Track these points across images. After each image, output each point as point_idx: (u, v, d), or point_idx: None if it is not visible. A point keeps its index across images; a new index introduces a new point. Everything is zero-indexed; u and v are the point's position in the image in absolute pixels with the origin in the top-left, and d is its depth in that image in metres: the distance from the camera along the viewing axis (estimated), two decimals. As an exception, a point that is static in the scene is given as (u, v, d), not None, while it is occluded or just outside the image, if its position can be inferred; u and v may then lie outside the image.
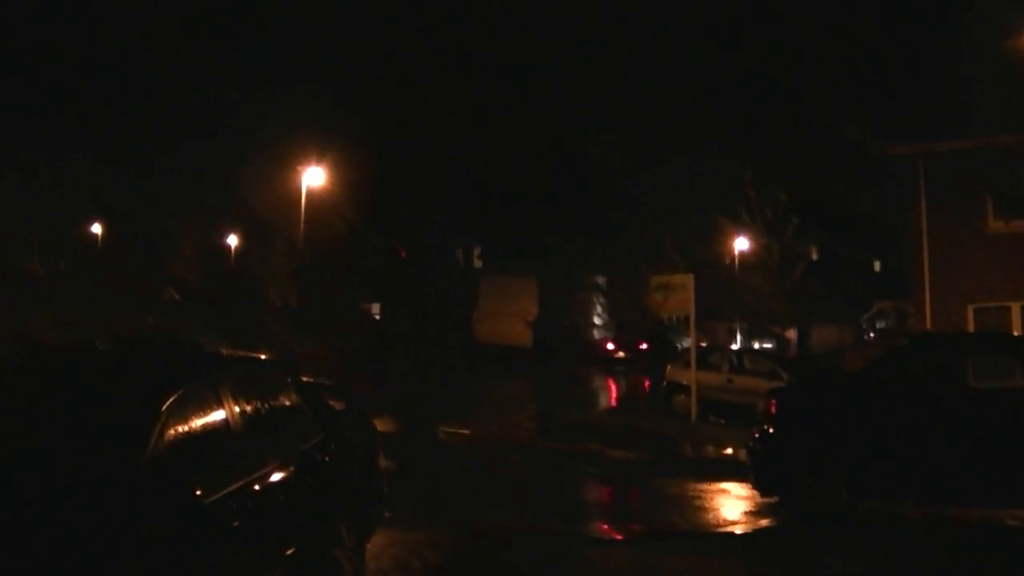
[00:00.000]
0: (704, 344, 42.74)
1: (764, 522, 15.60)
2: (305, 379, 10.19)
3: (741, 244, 56.70)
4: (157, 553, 6.59)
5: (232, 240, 69.96)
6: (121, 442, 6.93)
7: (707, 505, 17.28)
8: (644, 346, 55.72)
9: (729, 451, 24.16)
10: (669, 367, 33.87)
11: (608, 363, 52.04)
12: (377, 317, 56.03)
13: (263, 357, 10.17)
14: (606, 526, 15.45)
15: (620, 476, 20.60)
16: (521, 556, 12.21)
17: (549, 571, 11.62)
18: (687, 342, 30.76)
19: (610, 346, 55.48)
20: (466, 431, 25.12)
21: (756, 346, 55.94)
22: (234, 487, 7.53)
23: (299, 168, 51.70)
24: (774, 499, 15.71)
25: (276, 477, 8.18)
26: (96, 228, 73.83)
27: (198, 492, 7.03)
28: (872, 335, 63.88)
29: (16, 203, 56.85)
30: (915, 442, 14.66)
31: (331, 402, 10.54)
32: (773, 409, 15.86)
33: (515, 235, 58.50)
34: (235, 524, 7.48)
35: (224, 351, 9.99)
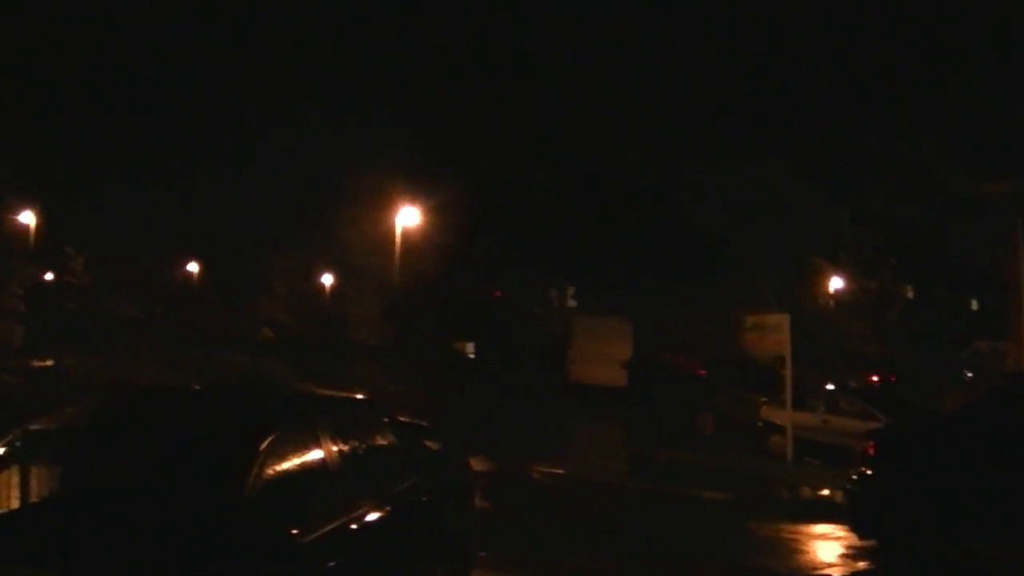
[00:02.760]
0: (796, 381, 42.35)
1: (862, 565, 15.43)
2: (401, 419, 10.22)
3: (836, 284, 56.22)
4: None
5: (327, 279, 70.36)
6: (220, 482, 7.00)
7: (803, 548, 17.10)
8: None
9: (825, 493, 23.91)
10: (764, 407, 33.59)
11: (700, 403, 51.74)
12: (471, 356, 56.08)
13: (359, 397, 10.22)
14: (698, 569, 15.32)
15: (713, 517, 20.43)
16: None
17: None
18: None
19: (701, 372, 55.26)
20: (559, 470, 25.01)
21: (851, 386, 55.36)
22: (330, 527, 7.56)
23: (394, 208, 51.96)
24: (872, 542, 15.53)
25: (372, 517, 8.19)
26: (192, 267, 74.61)
27: (294, 531, 7.07)
28: (970, 375, 63.02)
29: (115, 245, 57.58)
30: (1016, 484, 14.43)
31: (427, 442, 10.56)
32: (871, 451, 15.68)
33: (609, 275, 58.41)
34: (330, 564, 7.51)
35: (321, 392, 10.07)
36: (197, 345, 50.85)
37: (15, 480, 11.28)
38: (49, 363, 47.35)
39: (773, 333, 30.29)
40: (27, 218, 64.15)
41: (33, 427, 8.39)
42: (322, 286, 71.21)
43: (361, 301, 55.17)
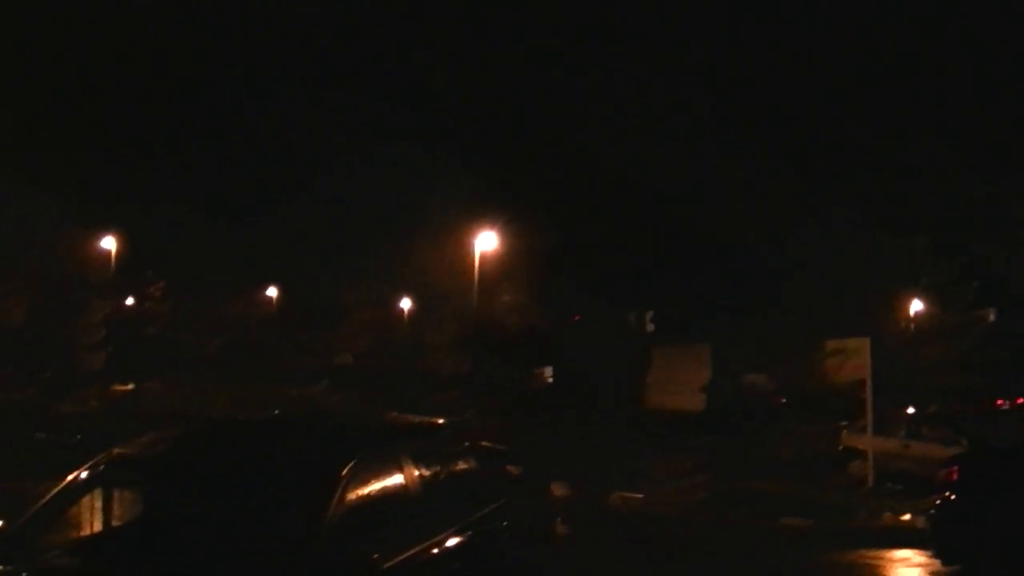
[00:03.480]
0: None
1: (944, 591, 15.28)
2: (482, 445, 10.21)
3: (915, 308, 55.89)
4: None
5: (405, 304, 70.51)
6: (302, 508, 7.02)
7: (885, 574, 16.96)
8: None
9: (907, 518, 23.71)
10: (844, 432, 33.32)
11: (779, 429, 51.22)
12: (549, 382, 56.06)
13: (440, 422, 10.21)
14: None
15: (794, 545, 20.29)
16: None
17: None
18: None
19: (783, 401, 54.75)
20: (639, 496, 24.93)
21: (931, 411, 54.91)
22: (411, 552, 7.56)
23: (472, 233, 52.01)
24: (957, 568, 15.37)
25: (453, 543, 8.19)
26: (271, 292, 74.94)
27: (376, 556, 7.08)
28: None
29: (195, 271, 57.98)
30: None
31: (507, 468, 10.54)
32: (954, 476, 15.54)
33: (688, 301, 58.19)
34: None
35: (402, 417, 10.07)
36: (275, 372, 51.13)
37: (98, 504, 11.37)
38: (130, 388, 47.80)
39: (854, 358, 30.11)
40: (108, 243, 64.72)
41: (116, 452, 8.44)
42: (400, 312, 71.37)
43: (439, 327, 55.22)
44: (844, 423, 34.70)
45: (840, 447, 32.77)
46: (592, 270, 61.05)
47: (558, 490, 11.61)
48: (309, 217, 69.86)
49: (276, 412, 10.30)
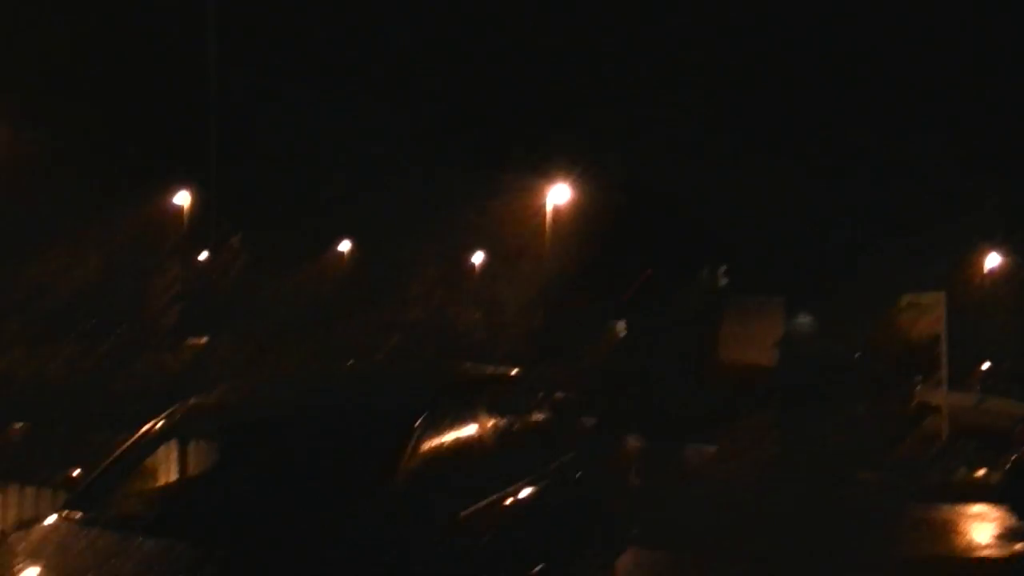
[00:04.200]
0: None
1: (1019, 546, 15.17)
2: (557, 395, 10.21)
3: (991, 264, 55.50)
4: (413, 567, 6.65)
5: (477, 258, 70.60)
6: (376, 458, 7.03)
7: (958, 529, 16.87)
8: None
9: (981, 474, 23.56)
10: (919, 388, 33.13)
11: (854, 383, 50.82)
12: (622, 335, 55.96)
13: (515, 373, 10.20)
14: (852, 550, 15.11)
15: (867, 498, 20.20)
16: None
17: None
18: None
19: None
20: (712, 449, 24.90)
21: (1007, 367, 54.46)
22: (485, 503, 7.57)
23: (545, 186, 51.97)
24: (1030, 523, 15.26)
25: (526, 493, 8.18)
26: (344, 246, 75.18)
27: (450, 507, 7.08)
28: None
29: (270, 224, 58.20)
30: None
31: (583, 419, 10.54)
32: (1031, 431, 15.45)
33: (762, 253, 57.90)
34: (485, 540, 7.52)
35: (476, 368, 10.07)
36: (348, 324, 51.31)
37: (174, 455, 11.47)
38: (204, 342, 48.12)
39: (929, 312, 29.90)
40: (182, 198, 65.08)
41: (192, 402, 8.48)
42: (472, 266, 71.44)
43: (511, 281, 55.26)
44: (919, 378, 34.47)
45: (915, 403, 32.58)
46: (665, 223, 60.90)
47: (632, 442, 11.57)
48: (382, 170, 69.94)
49: (350, 363, 10.37)
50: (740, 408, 30.67)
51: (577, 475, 9.30)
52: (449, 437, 7.60)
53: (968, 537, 16.24)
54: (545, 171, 52.76)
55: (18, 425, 13.12)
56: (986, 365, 46.83)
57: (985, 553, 14.87)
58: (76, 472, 8.01)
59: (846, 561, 13.43)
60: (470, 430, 7.85)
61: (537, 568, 8.18)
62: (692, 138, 65.26)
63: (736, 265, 60.79)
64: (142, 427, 8.33)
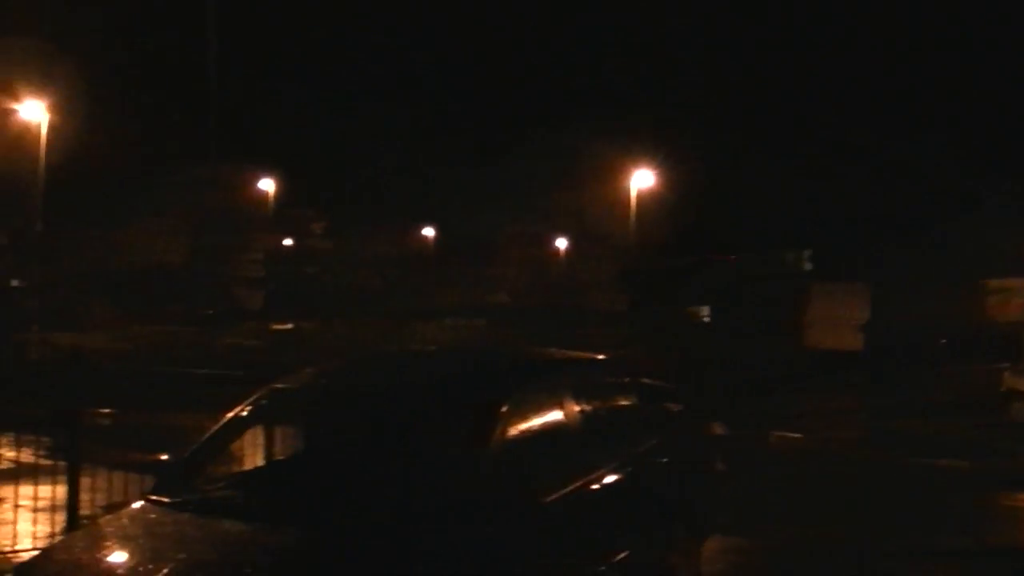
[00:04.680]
0: None
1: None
2: (643, 381, 10.14)
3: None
4: (497, 551, 6.64)
5: (561, 243, 70.65)
6: (461, 441, 7.02)
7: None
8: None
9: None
10: (1006, 374, 32.71)
11: (940, 370, 50.32)
12: (705, 320, 55.73)
13: (601, 358, 10.15)
14: (935, 540, 14.94)
15: (951, 487, 19.97)
16: (846, 568, 11.93)
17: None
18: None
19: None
20: (796, 436, 24.77)
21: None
22: (570, 488, 7.53)
23: (628, 171, 51.91)
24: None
25: (612, 479, 8.14)
26: (428, 232, 75.39)
27: (535, 492, 7.06)
28: None
29: (354, 211, 58.47)
30: None
31: (668, 404, 10.47)
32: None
33: (846, 238, 57.47)
34: (570, 525, 7.49)
35: (562, 352, 10.03)
36: (433, 310, 51.45)
37: (259, 439, 11.52)
38: (288, 326, 48.45)
39: (1017, 297, 29.60)
40: (266, 185, 65.62)
41: (277, 386, 8.51)
42: (556, 250, 71.48)
43: (595, 265, 55.22)
44: (1006, 364, 34.04)
45: (1002, 388, 32.17)
46: (749, 208, 60.63)
47: (717, 428, 11.51)
48: (466, 156, 70.15)
49: (434, 347, 10.35)
50: (825, 393, 30.43)
51: (662, 461, 9.24)
52: (534, 422, 7.58)
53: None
54: (628, 157, 52.66)
55: (105, 410, 13.25)
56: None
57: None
58: (163, 456, 8.05)
59: (929, 548, 13.30)
60: (555, 415, 7.81)
61: (621, 555, 8.14)
62: (776, 124, 64.87)
63: (820, 250, 60.43)
64: (228, 411, 8.37)
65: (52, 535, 10.50)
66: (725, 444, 11.75)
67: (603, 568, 7.94)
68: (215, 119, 54.65)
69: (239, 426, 8.56)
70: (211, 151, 52.98)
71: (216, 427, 8.27)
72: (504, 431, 7.14)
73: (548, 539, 7.23)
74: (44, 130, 42.42)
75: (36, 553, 8.67)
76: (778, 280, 58.40)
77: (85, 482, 10.52)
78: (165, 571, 6.14)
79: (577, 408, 8.03)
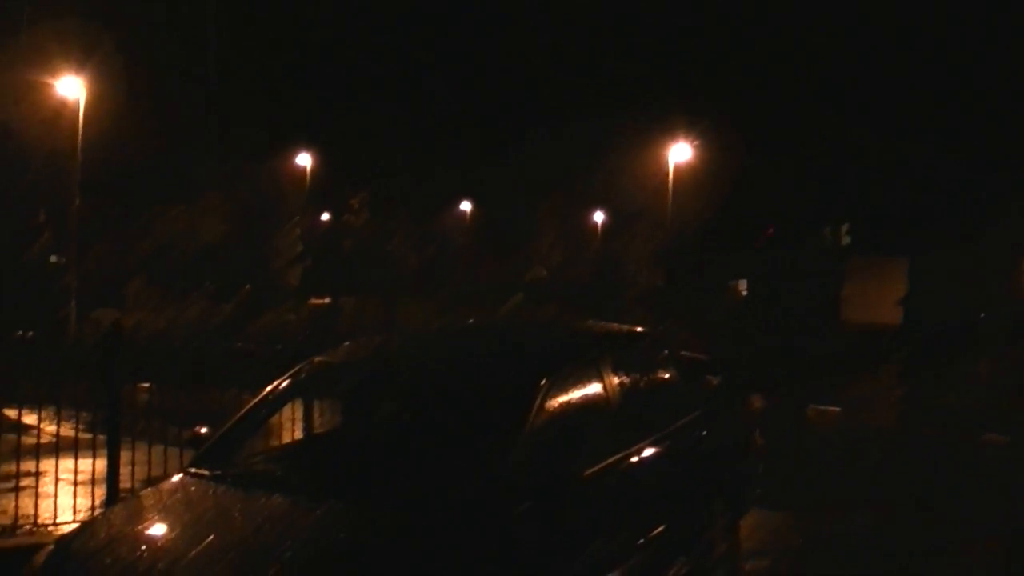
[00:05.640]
0: None
1: None
2: (682, 354, 10.11)
3: None
4: (536, 524, 6.64)
5: (599, 217, 70.56)
6: (501, 415, 7.02)
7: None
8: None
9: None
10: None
11: (981, 346, 49.88)
12: (744, 294, 55.70)
13: (640, 331, 10.12)
14: (978, 515, 14.85)
15: (993, 462, 19.88)
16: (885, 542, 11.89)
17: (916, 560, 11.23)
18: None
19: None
20: (835, 410, 24.70)
21: None
22: (609, 461, 7.53)
23: (666, 145, 51.80)
24: None
25: (651, 452, 8.12)
26: (465, 206, 75.33)
27: (574, 465, 7.06)
28: None
29: (391, 185, 58.42)
30: None
31: (708, 378, 10.44)
32: None
33: (886, 213, 57.18)
34: (608, 498, 7.49)
35: (601, 326, 10.01)
36: (471, 284, 51.41)
37: (299, 413, 11.56)
38: (326, 302, 48.55)
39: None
40: (304, 160, 65.73)
41: (317, 360, 8.52)
42: (594, 225, 71.41)
43: (633, 240, 55.13)
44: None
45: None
46: (787, 182, 60.36)
47: (756, 402, 11.48)
48: (503, 129, 69.99)
49: (474, 323, 10.31)
50: (864, 367, 30.35)
51: (702, 434, 9.22)
52: (574, 395, 7.56)
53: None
54: (665, 131, 52.46)
55: (145, 385, 13.30)
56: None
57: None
58: (203, 430, 8.07)
59: (969, 524, 13.23)
60: (595, 388, 7.79)
61: (660, 528, 8.13)
62: (812, 95, 64.38)
63: (859, 224, 60.19)
64: (267, 386, 8.38)
65: (92, 508, 10.56)
66: (764, 418, 11.70)
67: (642, 542, 7.93)
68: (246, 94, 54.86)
69: (279, 400, 8.60)
70: (247, 127, 53.10)
71: (255, 401, 8.30)
72: (544, 406, 7.13)
73: (587, 513, 7.22)
74: (82, 106, 42.57)
75: (77, 526, 8.71)
76: (816, 254, 58.30)
77: (125, 456, 10.57)
78: (205, 543, 6.16)
79: (617, 382, 8.00)
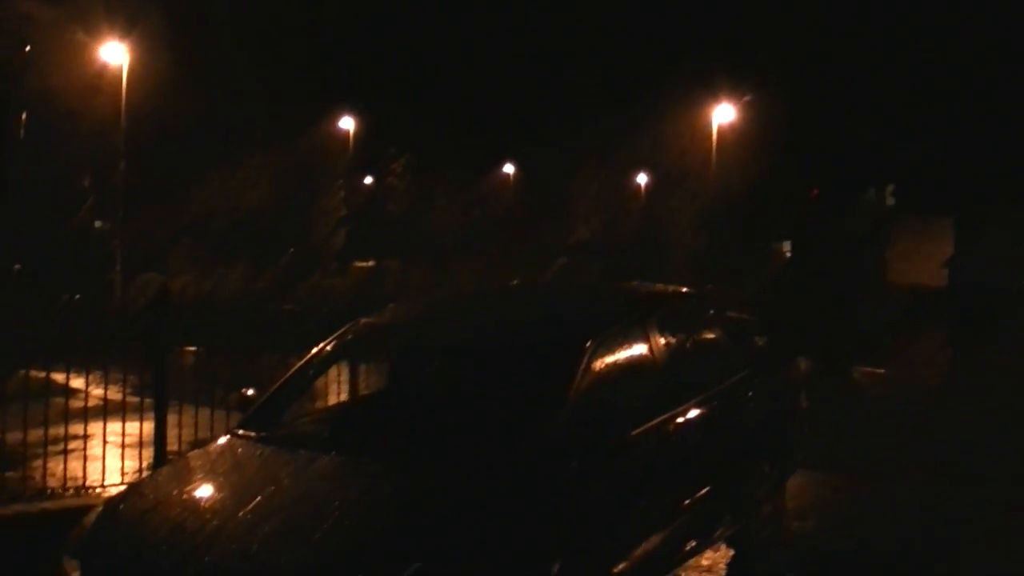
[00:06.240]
0: None
1: None
2: (728, 315, 10.08)
3: None
4: (583, 484, 6.65)
5: (641, 179, 70.36)
6: (548, 377, 7.02)
7: None
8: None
9: None
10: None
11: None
12: (787, 255, 55.51)
13: (686, 291, 10.10)
14: (1015, 475, 14.71)
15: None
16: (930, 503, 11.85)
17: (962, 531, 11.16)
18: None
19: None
20: (880, 371, 24.63)
21: None
22: (655, 422, 7.52)
23: (709, 105, 51.54)
24: None
25: (697, 413, 8.10)
26: (508, 168, 75.19)
27: (621, 426, 7.05)
28: None
29: (434, 148, 58.41)
30: None
31: (754, 339, 10.41)
32: None
33: (930, 175, 56.87)
34: (655, 459, 7.48)
35: (647, 286, 9.99)
36: (515, 247, 51.44)
37: (344, 376, 11.58)
38: (370, 264, 48.68)
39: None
40: (346, 124, 65.72)
41: (363, 322, 8.53)
42: (638, 187, 71.21)
43: (676, 202, 55.03)
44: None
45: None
46: (832, 143, 60.07)
47: (802, 364, 11.42)
48: (546, 92, 69.83)
49: (520, 284, 10.33)
50: (908, 330, 30.19)
51: (748, 395, 9.18)
52: (620, 355, 7.55)
53: None
54: (709, 92, 52.23)
55: (191, 348, 13.37)
56: None
57: None
58: (249, 392, 8.10)
59: (1010, 487, 13.14)
60: (641, 349, 7.78)
61: (705, 489, 8.12)
62: (858, 57, 64.01)
63: (904, 185, 59.75)
64: (313, 348, 8.40)
65: (140, 471, 10.61)
66: (809, 380, 11.66)
67: (687, 502, 7.94)
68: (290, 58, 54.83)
69: (324, 362, 8.61)
70: (291, 91, 53.12)
71: (301, 363, 8.32)
72: (591, 367, 7.13)
73: (634, 474, 7.22)
74: (125, 71, 42.70)
75: (124, 488, 8.76)
76: (861, 215, 58.03)
77: (172, 419, 10.63)
78: (253, 504, 6.19)
79: (662, 342, 7.98)
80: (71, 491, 10.18)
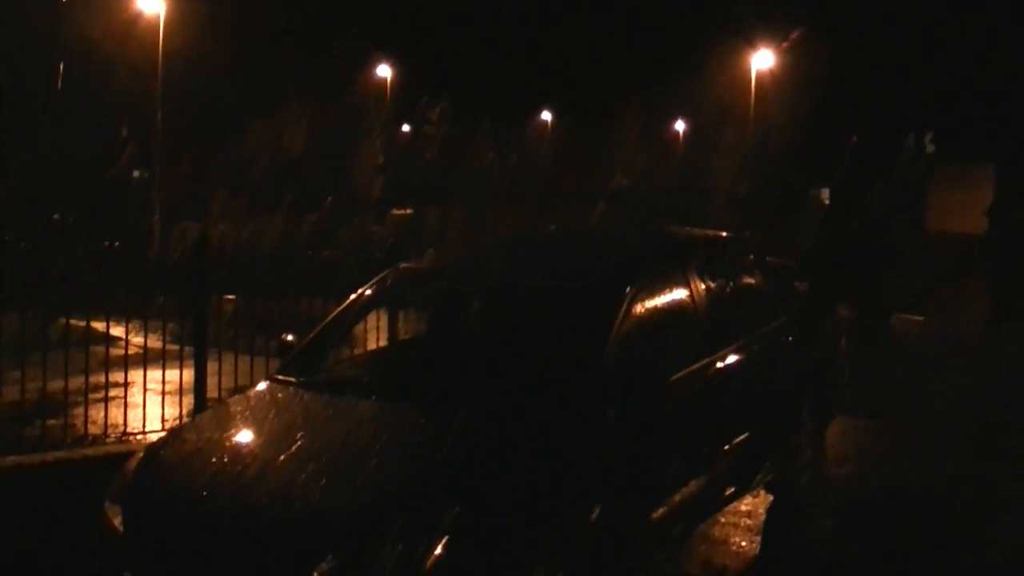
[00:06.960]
0: None
1: None
2: (768, 260, 10.04)
3: None
4: (624, 428, 6.64)
5: (680, 126, 70.14)
6: (588, 323, 7.01)
7: None
8: None
9: None
10: None
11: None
12: (825, 202, 55.31)
13: (726, 235, 10.07)
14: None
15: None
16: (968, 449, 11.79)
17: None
18: None
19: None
20: (919, 318, 24.55)
21: None
22: (695, 367, 7.50)
23: (748, 53, 51.28)
24: None
25: (737, 358, 8.08)
26: (546, 116, 75.03)
27: (662, 370, 7.02)
28: None
29: (470, 96, 58.30)
30: None
31: (795, 284, 10.37)
32: None
33: (970, 121, 56.45)
34: (695, 403, 7.48)
35: (687, 231, 9.94)
36: (553, 194, 51.35)
37: (383, 322, 11.59)
38: (408, 212, 48.66)
39: None
40: (383, 71, 65.71)
41: (402, 267, 8.53)
42: (676, 134, 71.05)
43: (715, 148, 54.84)
44: None
45: None
46: (871, 89, 59.68)
47: (842, 310, 11.37)
48: (583, 39, 69.58)
49: (559, 230, 10.33)
50: (948, 277, 30.06)
51: (789, 340, 9.15)
52: (661, 300, 7.52)
53: None
54: (748, 38, 51.92)
55: (230, 297, 13.38)
56: None
57: None
58: (289, 338, 8.12)
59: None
60: (681, 293, 7.75)
61: (744, 436, 8.11)
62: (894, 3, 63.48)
63: (944, 132, 59.22)
64: (352, 294, 8.41)
65: (180, 418, 10.65)
66: (849, 326, 11.60)
67: (728, 447, 7.92)
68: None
69: (364, 308, 8.63)
70: (328, 39, 53.12)
71: (340, 309, 8.34)
72: (631, 311, 7.12)
73: (674, 418, 7.21)
74: (162, 19, 42.73)
75: (165, 434, 8.80)
76: (900, 162, 57.61)
77: (212, 367, 10.63)
78: (294, 448, 6.21)
79: (702, 287, 7.95)
80: (112, 438, 10.22)
